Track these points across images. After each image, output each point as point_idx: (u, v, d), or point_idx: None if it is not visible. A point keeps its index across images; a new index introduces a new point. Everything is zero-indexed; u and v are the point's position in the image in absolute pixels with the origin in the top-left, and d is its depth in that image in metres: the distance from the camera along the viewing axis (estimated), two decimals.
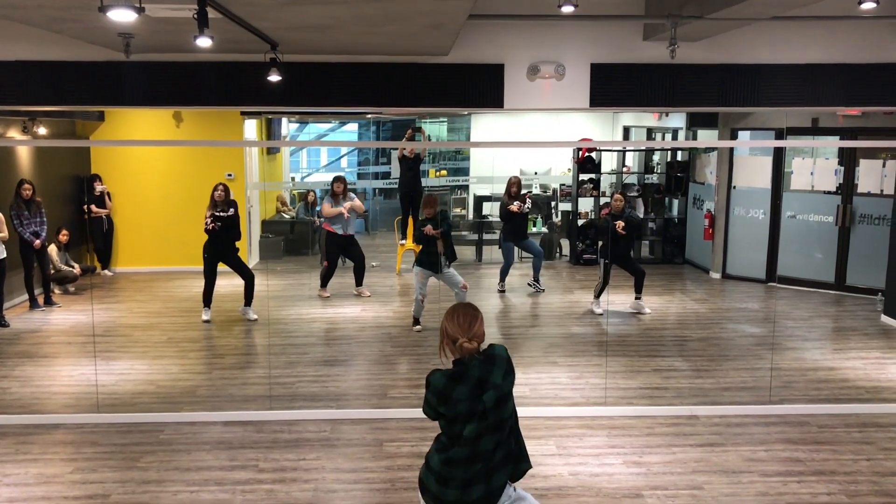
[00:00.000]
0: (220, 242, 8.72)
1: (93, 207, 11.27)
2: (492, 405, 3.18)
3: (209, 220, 8.62)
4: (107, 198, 11.44)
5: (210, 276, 8.84)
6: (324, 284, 10.12)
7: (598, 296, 9.20)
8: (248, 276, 8.89)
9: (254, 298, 8.95)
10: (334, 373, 7.21)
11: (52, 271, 9.81)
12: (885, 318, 8.90)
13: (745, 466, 5.26)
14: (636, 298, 9.27)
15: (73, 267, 10.23)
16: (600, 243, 9.31)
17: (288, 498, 4.83)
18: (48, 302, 9.51)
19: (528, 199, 10.34)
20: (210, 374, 7.21)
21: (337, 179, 10.20)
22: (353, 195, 10.26)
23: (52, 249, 9.85)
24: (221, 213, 8.64)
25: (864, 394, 6.68)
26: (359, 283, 10.16)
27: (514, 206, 10.05)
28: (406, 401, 6.46)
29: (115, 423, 5.96)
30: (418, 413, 6.05)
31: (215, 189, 8.74)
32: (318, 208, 13.46)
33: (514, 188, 10.23)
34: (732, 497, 4.85)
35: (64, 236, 10.17)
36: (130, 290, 10.62)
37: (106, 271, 11.51)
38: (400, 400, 6.51)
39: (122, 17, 3.31)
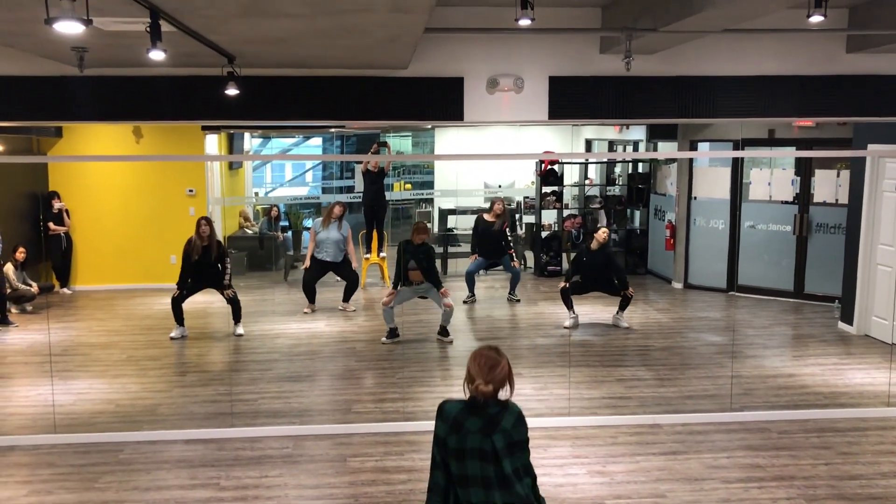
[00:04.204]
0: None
1: (51, 225, 11.08)
2: (502, 447, 3.05)
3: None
4: (65, 215, 11.26)
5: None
6: (311, 301, 9.95)
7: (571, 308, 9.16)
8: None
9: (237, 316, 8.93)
10: (297, 388, 7.14)
11: (9, 290, 9.61)
12: (841, 325, 9.06)
13: (707, 474, 5.31)
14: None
15: (30, 285, 10.04)
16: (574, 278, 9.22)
17: None
18: (5, 322, 9.31)
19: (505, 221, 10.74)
20: (171, 391, 7.10)
21: (338, 203, 10.14)
22: (347, 225, 10.18)
23: (9, 268, 9.66)
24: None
25: (822, 399, 6.79)
26: (346, 298, 10.03)
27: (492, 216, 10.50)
28: (370, 415, 6.43)
29: (72, 444, 5.84)
30: (383, 427, 6.08)
31: (199, 226, 8.67)
32: (282, 223, 13.38)
33: (499, 205, 10.52)
34: None
35: (21, 254, 9.97)
36: (90, 309, 10.44)
37: (65, 290, 11.30)
38: (364, 415, 6.47)
39: (70, 29, 3.26)
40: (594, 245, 8.97)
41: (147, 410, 6.61)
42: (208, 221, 8.76)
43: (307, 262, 10.06)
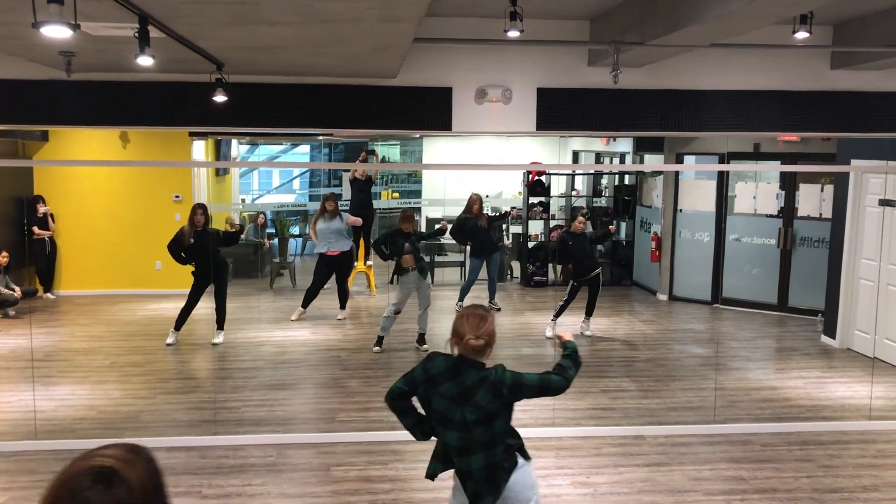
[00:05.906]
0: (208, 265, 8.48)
1: (35, 229, 11.00)
2: (474, 420, 3.20)
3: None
4: (50, 219, 11.19)
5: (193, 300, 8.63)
6: (304, 305, 9.73)
7: (556, 317, 9.16)
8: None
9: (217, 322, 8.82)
10: (282, 397, 7.11)
11: None
12: (824, 339, 9.12)
13: (690, 486, 5.32)
14: (587, 318, 9.28)
15: (13, 290, 9.96)
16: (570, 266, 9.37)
17: None
18: None
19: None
20: (153, 399, 7.05)
21: (329, 197, 9.82)
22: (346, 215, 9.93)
23: None
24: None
25: (804, 412, 6.82)
26: (342, 305, 9.89)
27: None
28: (354, 424, 6.41)
29: (53, 451, 5.77)
30: (367, 437, 6.05)
31: (194, 213, 8.50)
32: (268, 230, 13.33)
33: (476, 206, 10.31)
34: None
35: (4, 258, 9.90)
36: (73, 314, 10.36)
37: (48, 294, 11.22)
38: (348, 424, 6.45)
39: (57, 33, 3.25)
40: (574, 229, 9.20)
41: (129, 417, 6.56)
42: (204, 210, 8.53)
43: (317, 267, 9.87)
